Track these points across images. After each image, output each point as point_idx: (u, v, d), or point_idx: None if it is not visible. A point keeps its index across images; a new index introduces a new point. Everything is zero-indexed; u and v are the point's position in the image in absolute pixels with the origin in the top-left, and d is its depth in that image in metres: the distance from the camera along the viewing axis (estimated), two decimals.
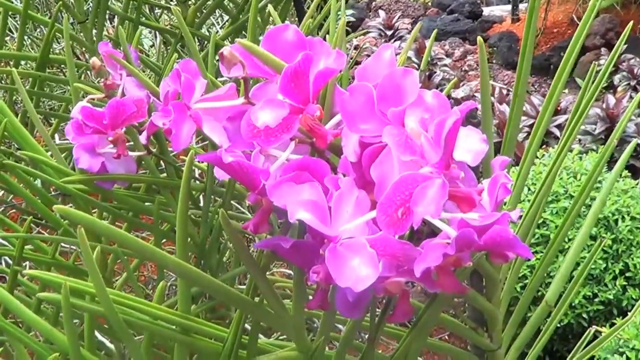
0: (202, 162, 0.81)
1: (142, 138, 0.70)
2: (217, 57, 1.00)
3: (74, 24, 1.23)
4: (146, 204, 0.82)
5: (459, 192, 0.38)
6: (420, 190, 0.36)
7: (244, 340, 0.58)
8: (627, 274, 1.51)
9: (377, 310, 0.55)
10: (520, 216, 0.67)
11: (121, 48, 0.79)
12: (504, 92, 3.03)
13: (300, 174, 0.42)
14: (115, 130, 0.67)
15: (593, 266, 1.48)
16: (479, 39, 0.53)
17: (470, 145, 0.43)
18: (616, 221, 1.50)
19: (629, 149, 0.67)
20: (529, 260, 1.49)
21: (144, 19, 1.18)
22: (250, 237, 1.03)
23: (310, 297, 0.48)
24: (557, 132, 2.55)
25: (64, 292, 0.49)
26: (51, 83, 1.73)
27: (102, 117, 0.67)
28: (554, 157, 0.62)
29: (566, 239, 1.43)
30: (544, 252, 0.69)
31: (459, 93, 3.13)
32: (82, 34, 1.14)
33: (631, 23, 0.63)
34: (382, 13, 4.85)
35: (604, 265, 1.49)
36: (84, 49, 1.50)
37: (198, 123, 0.45)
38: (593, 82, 0.61)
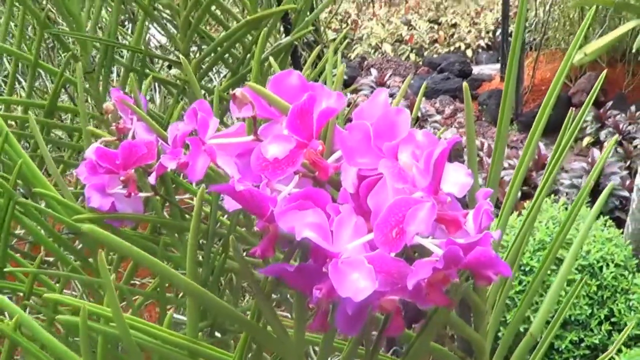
0: (215, 191, 0.85)
1: (151, 179, 0.75)
2: (220, 107, 1.05)
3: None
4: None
5: (446, 215, 0.43)
6: (412, 212, 0.41)
7: None
8: (612, 319, 1.55)
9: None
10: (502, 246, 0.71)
11: (132, 95, 0.84)
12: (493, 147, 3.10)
13: (304, 203, 0.47)
14: (127, 171, 0.72)
15: (579, 312, 1.52)
16: (464, 84, 0.58)
17: (457, 178, 0.48)
18: (601, 268, 1.55)
19: (605, 191, 0.71)
20: (515, 305, 1.52)
21: (147, 71, 1.24)
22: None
23: None
24: None
25: (82, 314, 0.53)
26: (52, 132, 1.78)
27: (115, 158, 0.71)
28: (535, 198, 0.67)
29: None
30: (525, 289, 0.73)
31: (446, 134, 3.21)
32: (87, 84, 1.19)
33: (605, 72, 0.68)
34: (374, 71, 4.96)
35: (590, 310, 1.53)
36: (88, 98, 1.55)
37: (212, 157, 0.50)
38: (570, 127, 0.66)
